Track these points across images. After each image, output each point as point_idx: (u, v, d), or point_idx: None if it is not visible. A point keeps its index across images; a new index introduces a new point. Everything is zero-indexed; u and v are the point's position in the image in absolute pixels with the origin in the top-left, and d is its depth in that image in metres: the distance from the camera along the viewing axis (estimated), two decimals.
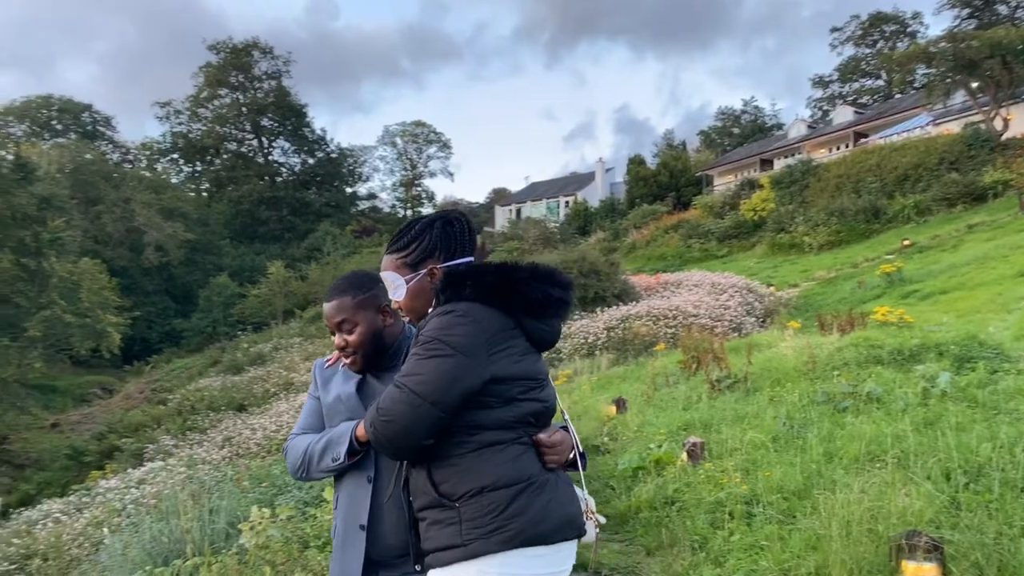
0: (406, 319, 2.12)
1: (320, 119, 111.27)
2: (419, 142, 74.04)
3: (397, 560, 2.05)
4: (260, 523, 5.46)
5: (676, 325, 15.90)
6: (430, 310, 1.92)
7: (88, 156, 51.18)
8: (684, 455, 6.39)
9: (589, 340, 16.45)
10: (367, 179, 78.60)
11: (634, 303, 18.23)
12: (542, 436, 1.90)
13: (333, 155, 68.70)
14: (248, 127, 64.54)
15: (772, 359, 9.44)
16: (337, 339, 2.15)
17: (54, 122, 58.40)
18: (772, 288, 20.86)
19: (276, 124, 65.11)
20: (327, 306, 2.17)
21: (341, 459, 2.03)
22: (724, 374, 9.07)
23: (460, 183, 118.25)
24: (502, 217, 60.12)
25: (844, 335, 9.80)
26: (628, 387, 11.32)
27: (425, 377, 1.77)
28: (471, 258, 2.03)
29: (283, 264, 44.23)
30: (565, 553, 1.89)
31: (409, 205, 74.34)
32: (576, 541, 1.94)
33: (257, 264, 51.71)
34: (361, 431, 1.98)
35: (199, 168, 65.91)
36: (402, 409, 1.77)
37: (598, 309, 17.90)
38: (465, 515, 1.78)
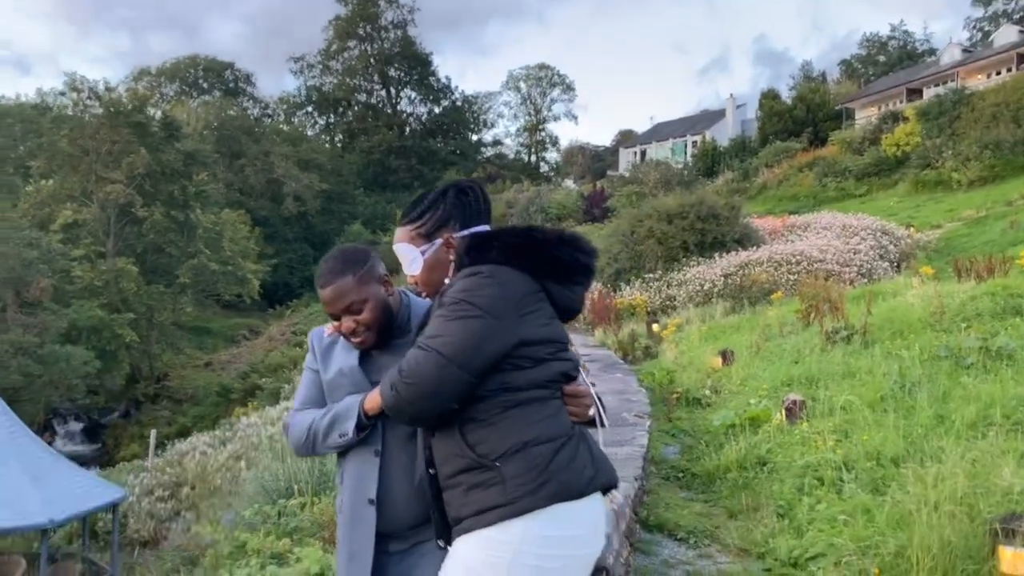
0: (422, 293, 2.03)
1: (446, 65, 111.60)
2: (543, 85, 73.10)
3: (408, 532, 2.02)
4: None
5: (799, 272, 15.04)
6: (447, 281, 1.87)
7: (231, 112, 54.22)
8: (782, 413, 6.04)
9: (704, 288, 15.89)
10: (492, 126, 78.69)
11: (755, 248, 17.37)
12: (570, 387, 1.86)
13: (458, 103, 69.26)
14: (376, 78, 66.00)
15: (896, 309, 8.73)
16: (346, 323, 2.03)
17: (200, 81, 62.04)
18: (911, 230, 19.29)
19: (403, 74, 66.21)
20: (327, 292, 2.03)
21: (349, 435, 1.97)
22: (840, 325, 8.47)
23: (585, 126, 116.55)
24: (626, 160, 58.77)
25: (981, 282, 8.90)
26: (739, 338, 10.84)
27: (452, 339, 1.72)
28: (487, 226, 1.96)
29: None
30: (598, 510, 1.84)
31: (534, 150, 74.09)
32: (604, 502, 1.91)
33: (388, 212, 53.39)
34: (369, 404, 1.93)
35: (332, 120, 68.29)
36: (428, 371, 1.72)
37: (716, 255, 17.20)
38: (508, 473, 1.72)
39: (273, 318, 45.26)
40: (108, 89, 30.46)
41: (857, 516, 3.72)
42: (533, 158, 72.37)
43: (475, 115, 71.19)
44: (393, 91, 67.19)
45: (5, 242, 21.99)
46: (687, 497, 5.33)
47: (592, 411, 1.91)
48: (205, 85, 62.05)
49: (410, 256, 1.93)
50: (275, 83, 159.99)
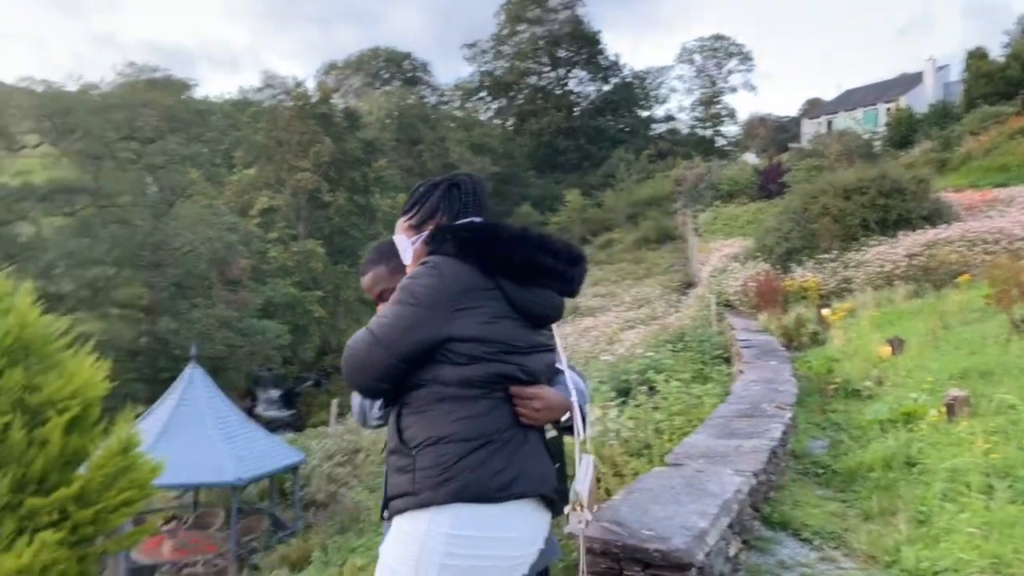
0: None
1: (618, 42, 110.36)
2: (718, 56, 70.24)
3: None
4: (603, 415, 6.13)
5: (996, 251, 13.46)
6: None
7: (409, 101, 56.85)
8: (941, 409, 5.49)
9: (885, 269, 14.65)
10: (664, 101, 76.82)
11: (946, 225, 15.74)
12: (516, 388, 1.83)
13: (627, 79, 68.17)
14: (545, 59, 66.36)
15: None
16: (380, 308, 2.20)
17: (382, 72, 65.47)
18: None
19: (571, 54, 66.09)
20: (365, 279, 2.27)
21: (379, 415, 2.14)
22: None
23: (768, 96, 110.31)
24: (810, 131, 55.13)
25: None
26: (915, 325, 9.93)
27: (385, 321, 1.81)
28: (477, 220, 1.96)
29: (580, 192, 45.56)
30: (525, 518, 1.82)
31: (709, 124, 71.47)
32: (543, 512, 1.87)
33: (556, 193, 53.79)
34: None
35: (503, 104, 69.63)
36: (360, 347, 1.83)
37: (900, 233, 15.76)
38: (419, 463, 1.78)
39: None
40: (297, 84, 33.09)
41: (998, 530, 3.33)
42: (708, 132, 69.83)
43: (646, 91, 69.74)
44: (562, 71, 67.28)
45: (211, 227, 24.57)
46: (823, 495, 4.99)
47: (562, 417, 1.93)
48: (386, 75, 65.36)
49: (403, 246, 2.02)
50: (452, 70, 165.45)
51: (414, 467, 1.79)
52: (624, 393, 8.11)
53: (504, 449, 1.79)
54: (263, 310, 27.80)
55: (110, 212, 24.98)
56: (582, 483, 1.99)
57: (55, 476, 3.04)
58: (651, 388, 7.77)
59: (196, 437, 13.06)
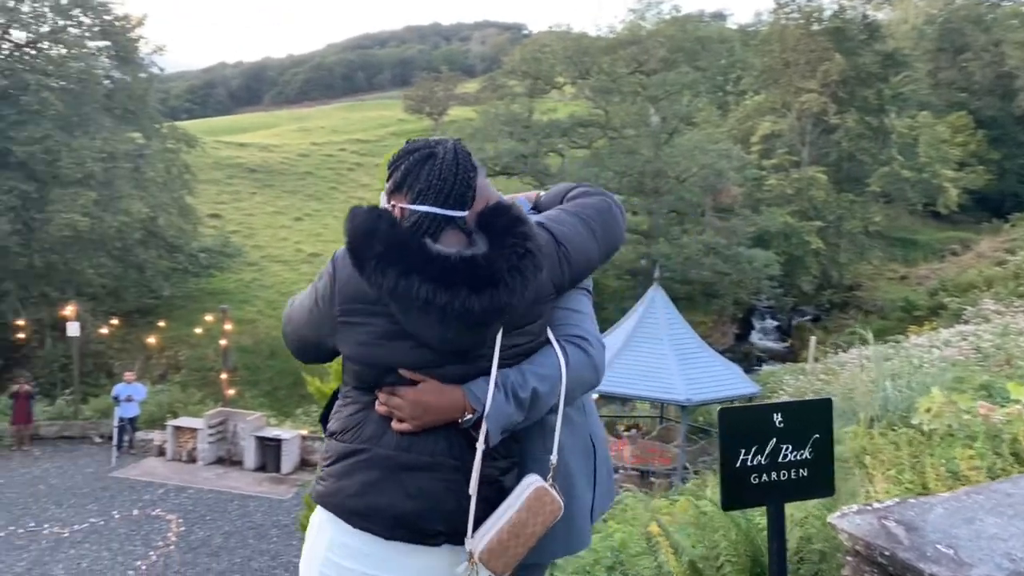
0: None
1: None
2: None
3: None
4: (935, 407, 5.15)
5: None
6: None
7: (958, 2, 48.26)
8: None
9: None
10: None
11: None
12: (381, 393, 1.51)
13: None
14: None
15: None
16: None
17: None
18: None
19: None
20: None
21: None
22: None
23: None
24: None
25: None
26: None
27: (296, 302, 1.69)
28: (439, 209, 1.49)
29: None
30: (389, 553, 1.48)
31: None
32: (413, 548, 1.50)
33: None
34: None
35: None
36: (288, 309, 1.73)
37: None
38: (323, 452, 1.64)
39: (988, 232, 39.88)
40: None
41: None
42: None
43: None
44: None
45: (705, 154, 24.96)
46: None
47: (458, 419, 1.47)
48: None
49: None
50: None
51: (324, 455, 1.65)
52: None
53: (370, 468, 1.50)
54: (756, 239, 27.39)
55: (619, 143, 27.19)
56: (489, 529, 1.46)
57: None
58: None
59: (652, 354, 13.74)
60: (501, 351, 1.47)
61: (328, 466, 1.57)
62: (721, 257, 25.18)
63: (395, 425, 1.48)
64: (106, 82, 24.55)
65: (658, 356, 13.60)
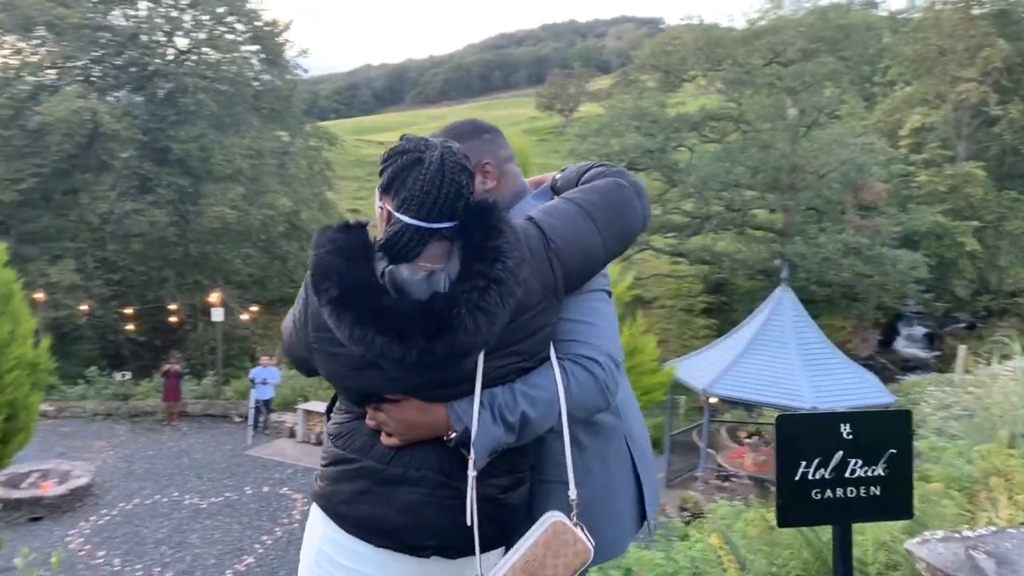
0: None
1: None
2: None
3: None
4: None
5: None
6: None
7: None
8: None
9: None
10: None
11: None
12: (369, 408, 1.47)
13: None
14: None
15: None
16: None
17: None
18: None
19: None
20: None
21: None
22: None
23: None
24: None
25: None
26: None
27: (290, 312, 1.59)
28: (421, 222, 1.39)
29: None
30: (380, 557, 1.46)
31: None
32: (402, 556, 1.47)
33: None
34: None
35: None
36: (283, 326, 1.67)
37: None
38: (322, 450, 1.63)
39: None
40: None
41: None
42: None
43: None
44: None
45: (846, 148, 23.47)
46: None
47: (443, 436, 1.42)
48: None
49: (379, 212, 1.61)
50: None
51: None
52: None
53: (358, 479, 1.49)
54: (904, 239, 25.50)
55: (752, 137, 26.06)
56: (505, 563, 1.36)
57: None
58: None
59: (776, 359, 13.12)
60: (486, 373, 1.38)
61: (324, 467, 1.57)
62: (862, 258, 23.61)
63: (384, 440, 1.45)
64: (255, 84, 26.26)
65: (783, 360, 12.98)
